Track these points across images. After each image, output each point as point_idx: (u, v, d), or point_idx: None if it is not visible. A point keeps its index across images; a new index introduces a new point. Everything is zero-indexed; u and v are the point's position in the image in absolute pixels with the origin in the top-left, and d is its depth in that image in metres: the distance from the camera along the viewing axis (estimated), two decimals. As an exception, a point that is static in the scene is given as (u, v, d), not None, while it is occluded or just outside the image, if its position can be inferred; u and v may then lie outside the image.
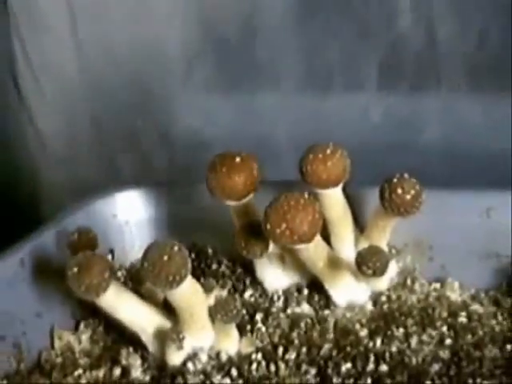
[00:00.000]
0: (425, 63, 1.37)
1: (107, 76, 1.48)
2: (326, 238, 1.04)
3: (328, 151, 1.01)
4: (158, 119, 1.50)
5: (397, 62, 1.38)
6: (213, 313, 0.99)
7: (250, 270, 1.12)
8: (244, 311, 1.06)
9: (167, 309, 1.01)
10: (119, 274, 1.16)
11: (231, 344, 1.00)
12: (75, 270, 0.95)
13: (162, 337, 1.00)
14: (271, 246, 1.02)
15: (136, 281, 1.09)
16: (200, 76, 1.46)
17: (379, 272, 1.00)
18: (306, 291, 1.08)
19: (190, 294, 0.97)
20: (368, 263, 0.99)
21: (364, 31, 1.37)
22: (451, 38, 1.34)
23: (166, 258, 0.93)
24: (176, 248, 0.94)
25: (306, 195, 0.96)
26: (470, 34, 1.33)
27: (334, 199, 1.04)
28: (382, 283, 1.07)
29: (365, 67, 1.39)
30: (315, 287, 1.07)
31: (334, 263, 1.03)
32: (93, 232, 1.07)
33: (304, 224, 0.94)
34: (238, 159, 1.03)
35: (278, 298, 1.09)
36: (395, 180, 1.00)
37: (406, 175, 1.00)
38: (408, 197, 0.98)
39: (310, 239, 0.96)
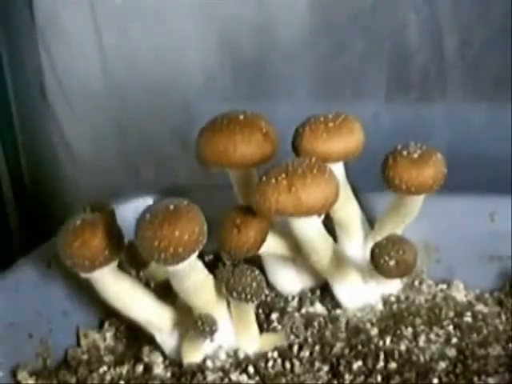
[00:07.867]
0: (431, 74, 1.36)
1: (130, 87, 1.47)
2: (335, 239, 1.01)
3: (330, 116, 0.87)
4: (178, 127, 1.49)
5: (404, 73, 1.38)
6: (227, 291, 0.83)
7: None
8: (260, 310, 1.03)
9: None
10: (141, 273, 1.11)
11: (250, 340, 0.95)
12: (78, 222, 0.76)
13: (179, 334, 0.95)
14: (265, 246, 0.92)
15: (135, 263, 0.95)
16: (218, 86, 1.45)
17: (404, 264, 0.83)
18: (318, 292, 1.06)
19: (202, 283, 0.84)
20: (390, 252, 0.85)
21: (373, 43, 1.37)
22: (456, 49, 1.34)
23: (172, 207, 0.71)
24: (185, 202, 0.75)
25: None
26: (474, 46, 1.33)
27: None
28: (396, 284, 1.04)
29: (374, 78, 1.38)
30: (327, 288, 1.05)
31: (341, 263, 0.98)
32: (108, 206, 0.88)
33: (308, 177, 0.75)
34: (241, 117, 0.88)
35: (293, 298, 1.07)
36: (399, 147, 0.87)
37: (411, 143, 0.88)
38: (415, 155, 0.84)
39: (311, 204, 0.76)
